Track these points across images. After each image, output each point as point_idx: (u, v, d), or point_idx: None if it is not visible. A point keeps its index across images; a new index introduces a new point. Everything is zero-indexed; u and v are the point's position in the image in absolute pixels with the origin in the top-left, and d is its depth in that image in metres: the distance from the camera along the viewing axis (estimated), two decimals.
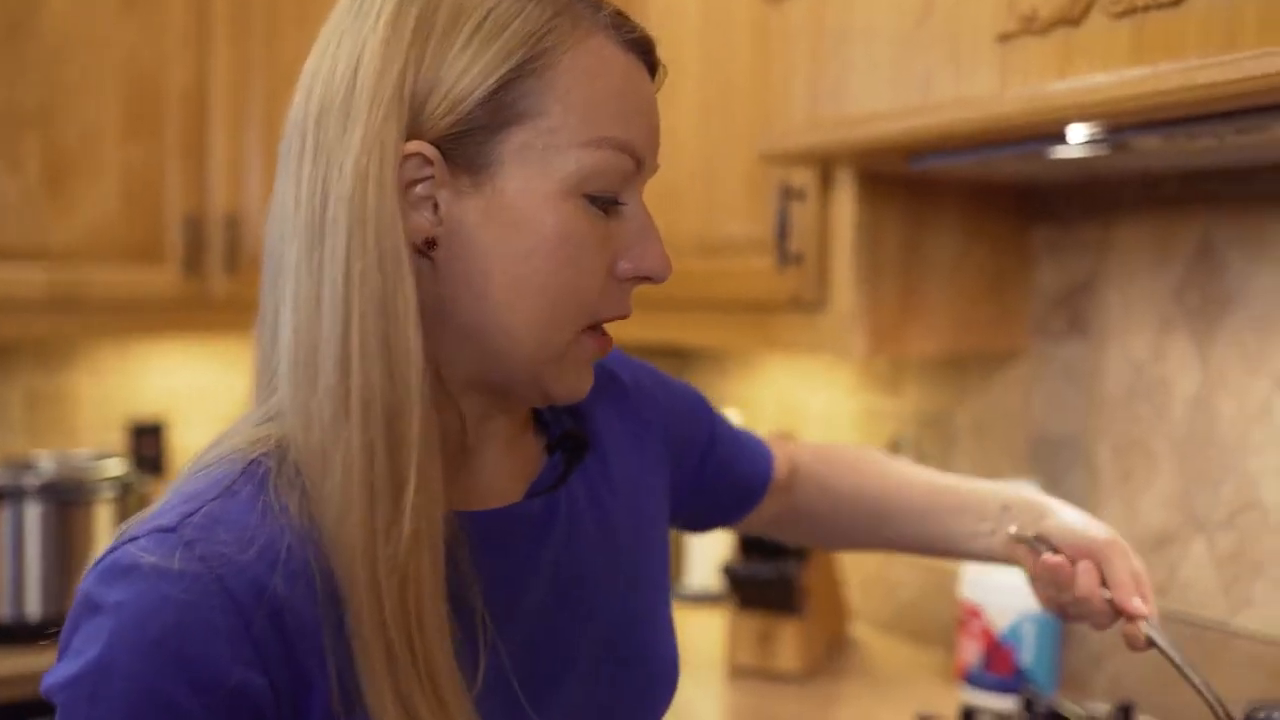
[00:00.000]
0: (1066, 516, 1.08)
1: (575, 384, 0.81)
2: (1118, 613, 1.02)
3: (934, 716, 1.55)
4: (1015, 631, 1.72)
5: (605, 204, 0.78)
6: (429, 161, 0.74)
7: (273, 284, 0.76)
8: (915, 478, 1.17)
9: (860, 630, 2.15)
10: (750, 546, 1.87)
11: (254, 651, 0.69)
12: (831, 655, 1.99)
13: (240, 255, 2.31)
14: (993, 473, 1.90)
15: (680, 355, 2.64)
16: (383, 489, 0.71)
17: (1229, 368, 1.57)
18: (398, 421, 0.72)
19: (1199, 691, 0.98)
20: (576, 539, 0.88)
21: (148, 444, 2.53)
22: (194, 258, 2.28)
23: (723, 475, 1.11)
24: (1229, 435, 1.57)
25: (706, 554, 2.27)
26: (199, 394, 2.61)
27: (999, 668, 1.73)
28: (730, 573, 1.85)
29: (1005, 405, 1.89)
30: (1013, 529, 1.08)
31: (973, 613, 1.75)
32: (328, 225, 0.73)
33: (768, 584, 1.83)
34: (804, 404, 2.31)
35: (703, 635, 2.11)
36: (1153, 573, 1.67)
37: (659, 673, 0.92)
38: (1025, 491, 1.14)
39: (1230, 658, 1.57)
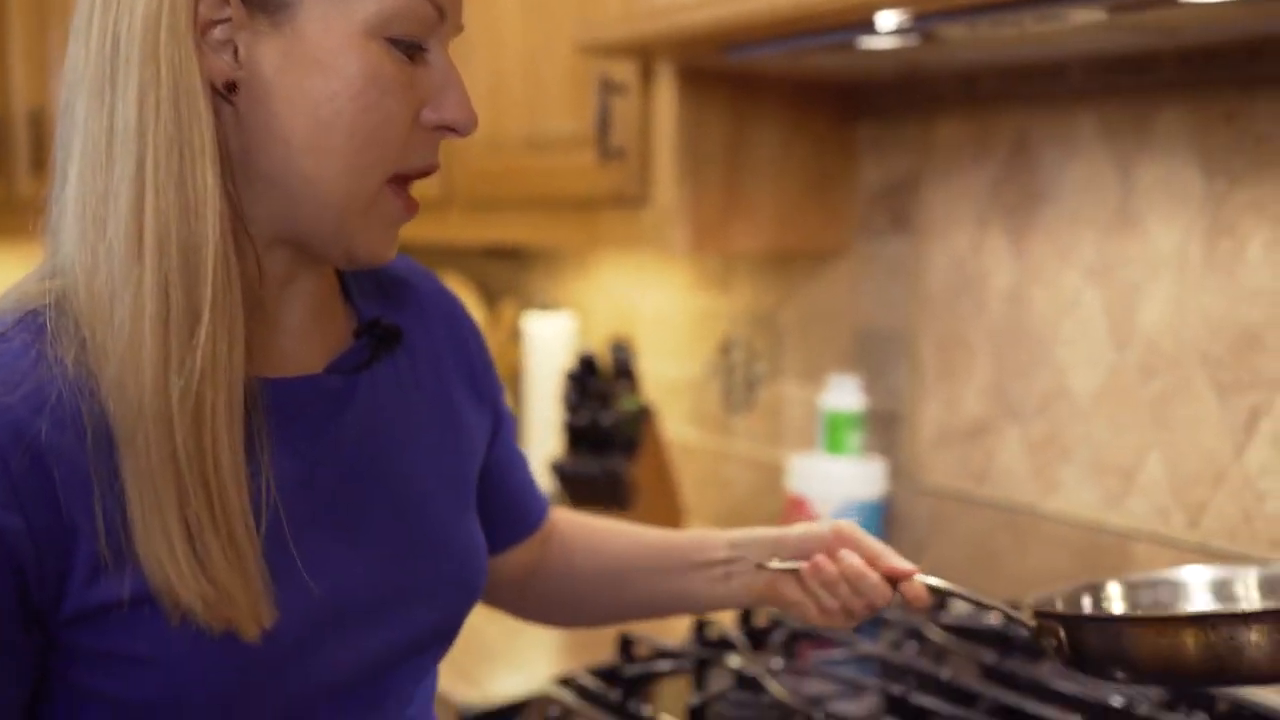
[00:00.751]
0: (802, 529, 1.03)
1: (380, 244, 0.81)
2: (890, 578, 0.99)
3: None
4: None
5: (409, 49, 0.78)
6: (225, 2, 0.74)
7: (65, 145, 0.76)
8: (648, 534, 1.11)
9: (695, 527, 2.17)
10: (578, 443, 1.87)
11: (11, 493, 0.70)
12: None
13: (48, 154, 2.20)
14: (819, 369, 1.93)
15: (515, 257, 2.62)
16: (177, 322, 0.71)
17: (1042, 261, 1.61)
18: (194, 257, 0.72)
19: (991, 606, 1.01)
20: (377, 426, 0.87)
21: None
22: None
23: (503, 481, 1.05)
24: (1041, 327, 1.62)
25: (540, 456, 2.27)
26: None
27: None
28: (558, 470, 1.86)
29: (831, 302, 1.91)
30: (766, 564, 1.03)
31: (798, 504, 1.78)
32: (119, 68, 0.72)
33: (596, 480, 1.84)
34: (637, 305, 2.31)
35: None
36: (971, 461, 1.72)
37: (459, 570, 0.91)
38: (753, 529, 1.07)
39: (1039, 539, 1.63)
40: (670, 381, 2.25)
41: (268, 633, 0.75)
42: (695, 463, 2.20)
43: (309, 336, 0.86)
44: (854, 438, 1.78)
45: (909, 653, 1.48)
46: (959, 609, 1.66)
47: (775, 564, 1.02)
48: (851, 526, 1.02)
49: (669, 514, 2.06)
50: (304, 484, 0.81)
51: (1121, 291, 1.52)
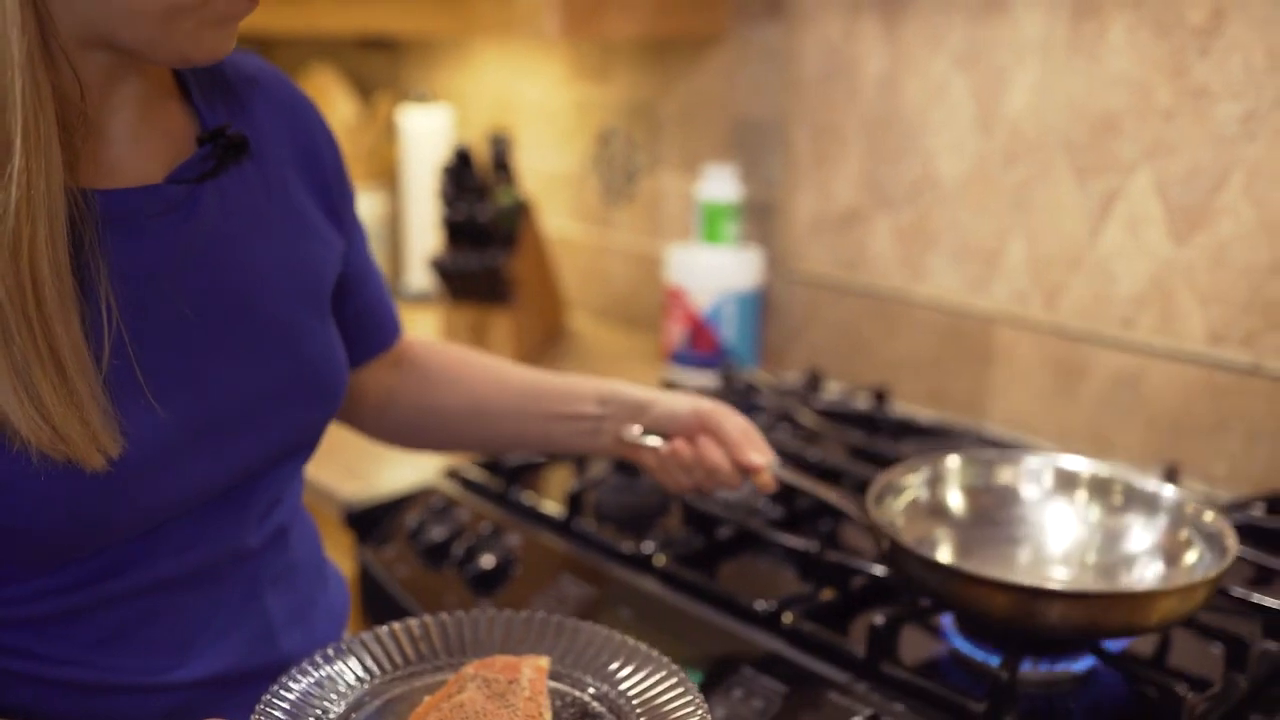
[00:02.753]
0: (666, 403, 1.07)
1: (214, 45, 0.76)
2: (743, 470, 1.05)
3: None
4: (717, 311, 1.79)
5: None
6: None
7: None
8: (514, 376, 1.12)
9: (577, 320, 2.20)
10: (457, 238, 1.86)
11: None
12: (548, 344, 2.04)
13: None
14: (698, 160, 1.93)
15: (390, 48, 2.54)
16: None
17: (914, 48, 1.61)
18: None
19: (832, 503, 1.07)
20: (225, 237, 0.84)
21: None
22: None
23: (355, 294, 1.01)
24: (911, 114, 1.63)
25: (419, 252, 2.26)
26: None
27: (702, 346, 1.81)
28: (437, 265, 1.85)
29: (708, 91, 1.90)
30: (626, 435, 1.07)
31: (677, 294, 1.81)
32: None
33: (476, 275, 1.83)
34: (517, 96, 2.27)
35: (421, 333, 2.12)
36: (843, 250, 1.75)
37: (316, 378, 0.90)
38: (622, 387, 1.10)
39: (908, 324, 1.68)
40: (550, 174, 2.23)
41: (116, 459, 0.74)
42: (576, 256, 2.21)
43: (143, 144, 0.81)
44: (730, 228, 1.79)
45: (782, 435, 1.54)
46: (830, 393, 1.72)
47: (635, 437, 1.07)
48: (714, 410, 1.06)
49: (550, 308, 2.08)
50: (149, 301, 0.79)
51: (988, 78, 1.54)
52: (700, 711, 0.79)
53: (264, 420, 0.86)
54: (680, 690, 0.82)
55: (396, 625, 0.87)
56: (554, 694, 0.83)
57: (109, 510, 0.76)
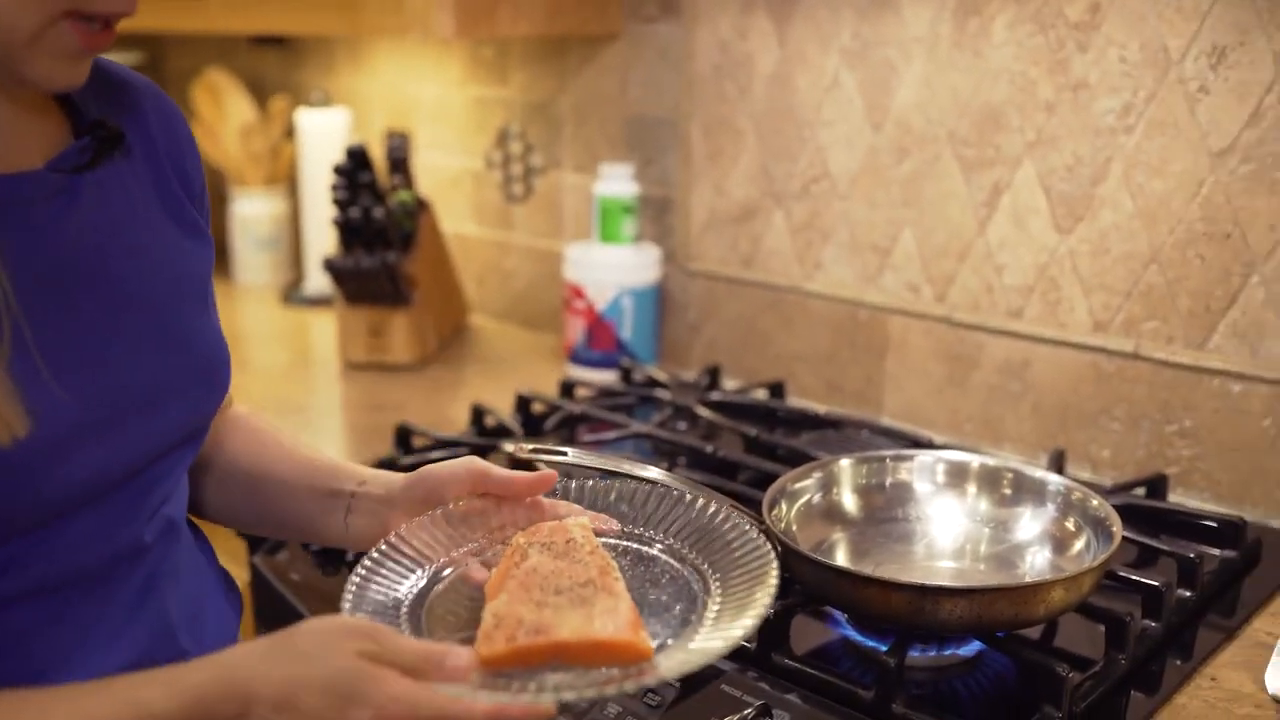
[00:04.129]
0: (439, 467, 0.96)
1: (58, 74, 0.77)
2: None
3: (534, 394, 1.61)
4: (615, 307, 1.79)
5: None
6: None
7: None
8: (292, 453, 1.03)
9: (478, 320, 2.19)
10: (352, 239, 1.84)
11: None
12: (448, 345, 2.03)
13: None
14: (594, 157, 1.93)
15: (286, 49, 2.51)
16: None
17: (804, 44, 1.62)
18: None
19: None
20: (107, 226, 0.85)
21: None
22: None
23: None
24: (804, 110, 1.65)
25: (317, 255, 2.23)
26: None
27: (601, 343, 1.81)
28: (331, 266, 1.82)
29: (604, 89, 1.90)
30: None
31: (576, 292, 1.81)
32: None
33: (370, 275, 1.81)
34: (413, 97, 2.25)
35: (320, 336, 2.10)
36: (740, 246, 1.76)
37: (206, 366, 0.92)
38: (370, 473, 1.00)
39: (804, 317, 1.70)
40: (450, 174, 2.22)
41: (20, 439, 0.73)
42: (476, 256, 2.20)
43: (22, 134, 0.82)
44: (628, 225, 1.80)
45: (679, 429, 1.54)
46: (728, 387, 1.73)
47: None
48: (476, 465, 0.96)
49: (450, 308, 2.06)
50: (42, 287, 0.79)
51: (877, 74, 1.55)
52: (725, 511, 0.90)
53: (158, 407, 0.86)
54: (715, 510, 0.91)
55: (436, 512, 0.92)
56: (606, 547, 0.89)
57: (12, 494, 0.76)
